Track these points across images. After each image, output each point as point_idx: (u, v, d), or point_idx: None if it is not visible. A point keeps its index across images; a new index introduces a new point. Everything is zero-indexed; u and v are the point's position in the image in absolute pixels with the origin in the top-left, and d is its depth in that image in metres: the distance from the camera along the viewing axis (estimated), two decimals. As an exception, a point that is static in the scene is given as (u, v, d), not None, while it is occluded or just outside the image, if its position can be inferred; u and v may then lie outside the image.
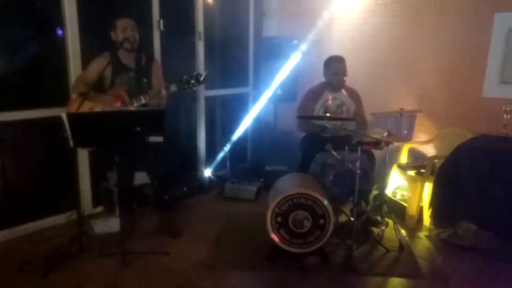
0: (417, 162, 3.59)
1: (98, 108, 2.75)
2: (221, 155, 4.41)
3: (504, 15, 3.32)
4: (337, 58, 3.39)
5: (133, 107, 2.81)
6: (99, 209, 3.48)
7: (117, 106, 2.78)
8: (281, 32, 4.71)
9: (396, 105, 3.06)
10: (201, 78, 2.84)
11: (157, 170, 3.14)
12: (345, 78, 3.38)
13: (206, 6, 4.06)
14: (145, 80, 2.97)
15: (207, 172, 4.21)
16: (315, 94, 3.44)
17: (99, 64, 2.88)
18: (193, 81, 2.82)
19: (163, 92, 2.81)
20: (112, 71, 2.91)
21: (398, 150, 3.74)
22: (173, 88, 2.81)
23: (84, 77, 2.91)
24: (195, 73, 2.84)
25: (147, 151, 2.96)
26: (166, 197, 3.26)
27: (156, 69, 3.07)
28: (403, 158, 3.75)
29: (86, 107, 2.70)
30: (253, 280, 2.54)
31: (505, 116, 3.14)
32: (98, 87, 2.89)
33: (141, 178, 3.32)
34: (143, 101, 2.81)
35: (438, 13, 3.66)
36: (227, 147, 4.34)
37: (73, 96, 2.97)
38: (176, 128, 4.13)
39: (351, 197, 2.92)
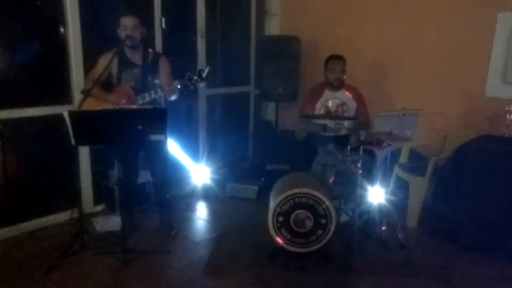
0: (419, 162, 3.58)
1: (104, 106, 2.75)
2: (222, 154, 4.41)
3: (507, 15, 3.31)
4: (336, 57, 3.36)
5: (138, 104, 2.81)
6: (100, 207, 3.48)
7: (123, 103, 2.78)
8: (283, 30, 4.70)
9: (398, 105, 3.05)
10: (204, 74, 2.84)
11: (159, 169, 3.14)
12: (345, 77, 3.36)
13: (207, 4, 4.05)
14: (150, 78, 2.97)
15: (208, 171, 4.20)
16: (315, 93, 3.42)
17: (104, 60, 2.87)
18: (195, 77, 2.83)
19: (176, 83, 2.82)
20: (118, 67, 2.92)
21: (399, 150, 3.73)
22: (176, 84, 2.82)
23: (91, 74, 2.92)
24: (198, 69, 2.84)
25: (149, 149, 2.96)
26: (167, 195, 3.26)
27: (163, 65, 3.05)
28: (405, 158, 3.74)
29: (93, 104, 2.69)
30: (253, 280, 2.54)
31: (507, 116, 3.12)
32: (107, 83, 2.89)
33: (142, 176, 3.32)
34: (147, 98, 2.82)
35: (440, 13, 3.65)
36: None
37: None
38: (178, 127, 4.12)
39: (352, 196, 2.92)
